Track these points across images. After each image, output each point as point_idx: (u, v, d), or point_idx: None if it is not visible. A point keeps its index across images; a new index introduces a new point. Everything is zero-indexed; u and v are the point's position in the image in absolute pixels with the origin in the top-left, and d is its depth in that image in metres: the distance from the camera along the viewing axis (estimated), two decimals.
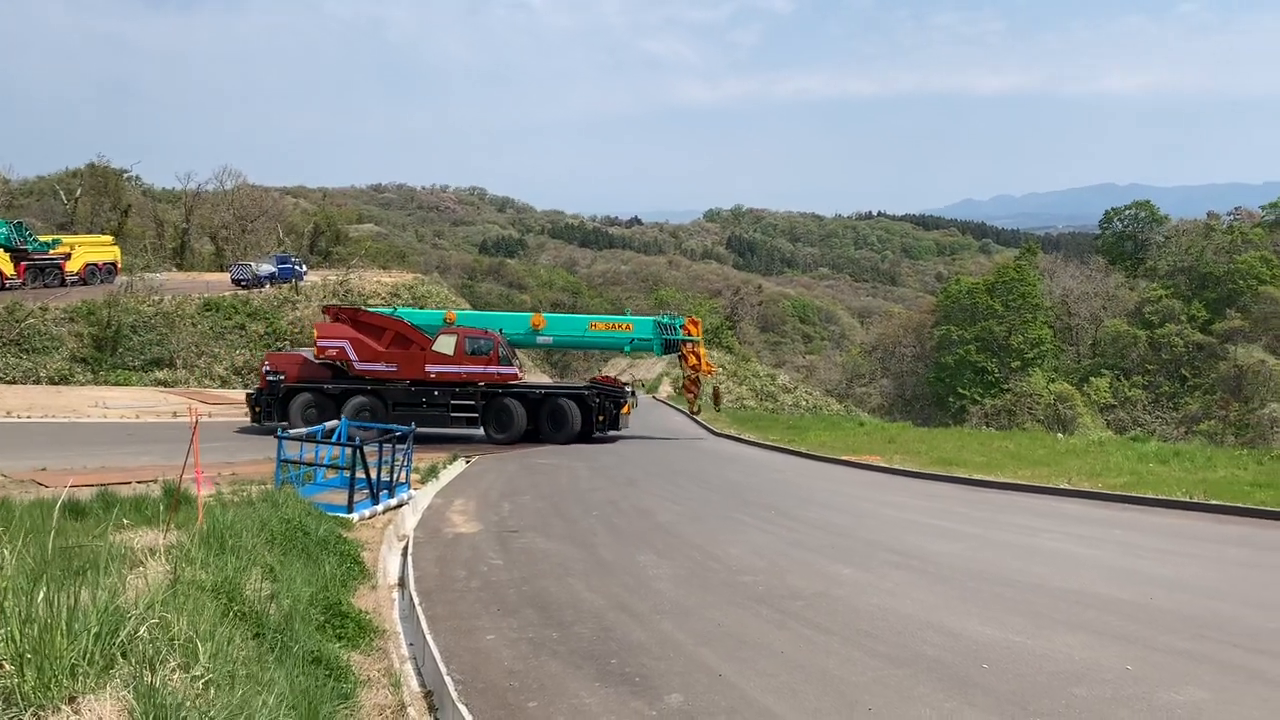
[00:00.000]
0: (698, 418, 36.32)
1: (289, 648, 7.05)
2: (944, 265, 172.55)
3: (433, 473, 19.89)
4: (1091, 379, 69.44)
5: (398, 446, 16.70)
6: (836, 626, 9.24)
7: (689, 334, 30.86)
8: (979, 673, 7.78)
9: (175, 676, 5.13)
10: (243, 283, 54.04)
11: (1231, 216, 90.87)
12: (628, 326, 31.13)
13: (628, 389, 31.00)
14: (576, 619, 9.69)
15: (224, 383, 44.76)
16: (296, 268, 56.85)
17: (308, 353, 29.55)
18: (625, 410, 28.93)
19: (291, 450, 16.52)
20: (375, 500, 15.44)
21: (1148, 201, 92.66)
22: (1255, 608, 9.63)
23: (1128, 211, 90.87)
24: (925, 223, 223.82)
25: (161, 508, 11.38)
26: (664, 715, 7.06)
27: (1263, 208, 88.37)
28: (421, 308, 53.98)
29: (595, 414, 28.34)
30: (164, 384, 41.64)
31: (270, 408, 27.85)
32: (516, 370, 28.78)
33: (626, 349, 32.39)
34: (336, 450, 16.90)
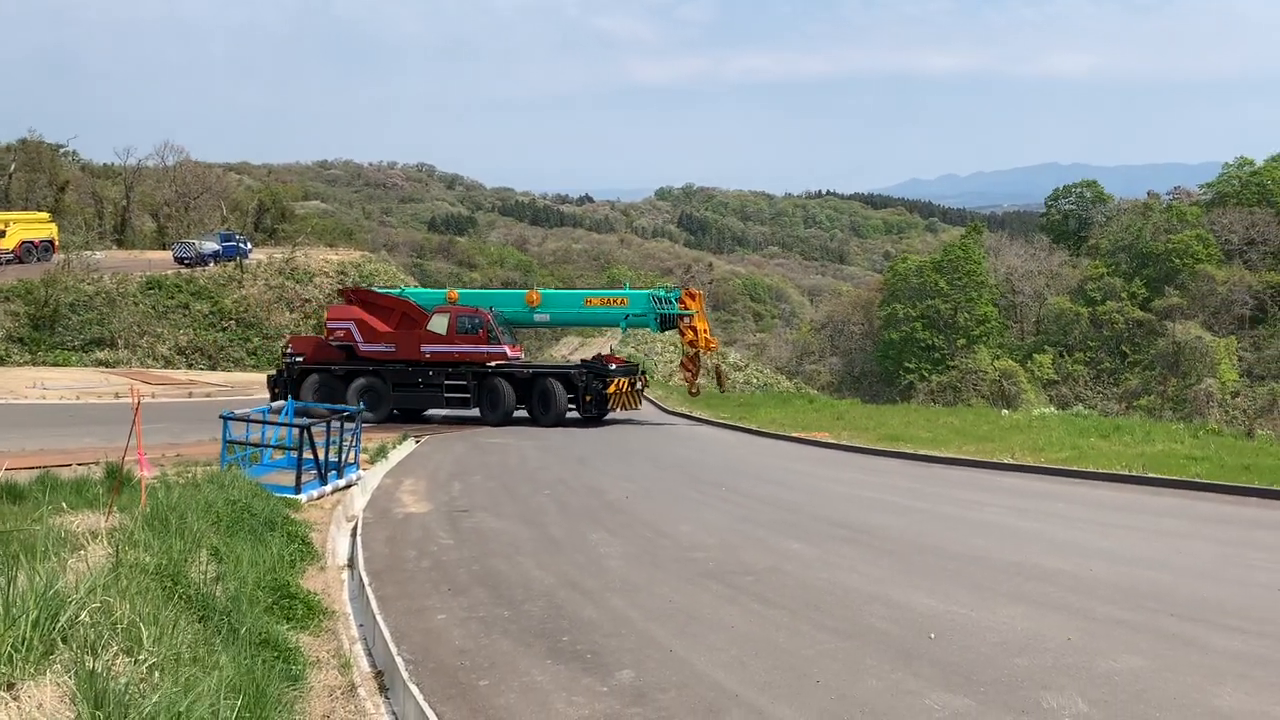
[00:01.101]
0: (656, 401, 34.68)
1: (236, 630, 6.97)
2: (892, 244, 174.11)
3: (382, 453, 19.73)
4: (1035, 355, 70.67)
5: (346, 426, 16.53)
6: (786, 601, 9.34)
7: (686, 308, 28.91)
8: (925, 644, 7.91)
9: (118, 661, 5.05)
10: (186, 261, 53.04)
11: (1170, 196, 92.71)
12: (623, 301, 29.56)
13: (638, 368, 29.82)
14: (527, 597, 9.69)
15: (168, 363, 44.01)
16: (241, 245, 55.91)
17: None
18: (611, 389, 27.39)
19: (238, 431, 16.29)
20: (324, 481, 15.30)
21: (1094, 181, 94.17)
22: (1191, 577, 9.90)
23: (1073, 190, 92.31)
24: (873, 202, 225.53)
25: (103, 490, 11.19)
26: (615, 691, 7.10)
27: (1200, 187, 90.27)
28: (370, 286, 53.50)
29: (582, 394, 27.20)
30: (105, 364, 40.84)
31: (286, 389, 28.02)
32: (506, 349, 28.01)
33: (622, 325, 30.78)
34: (284, 431, 16.70)
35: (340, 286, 39.27)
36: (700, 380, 30.62)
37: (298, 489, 14.42)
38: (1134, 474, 16.35)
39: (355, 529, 13.28)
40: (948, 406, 47.43)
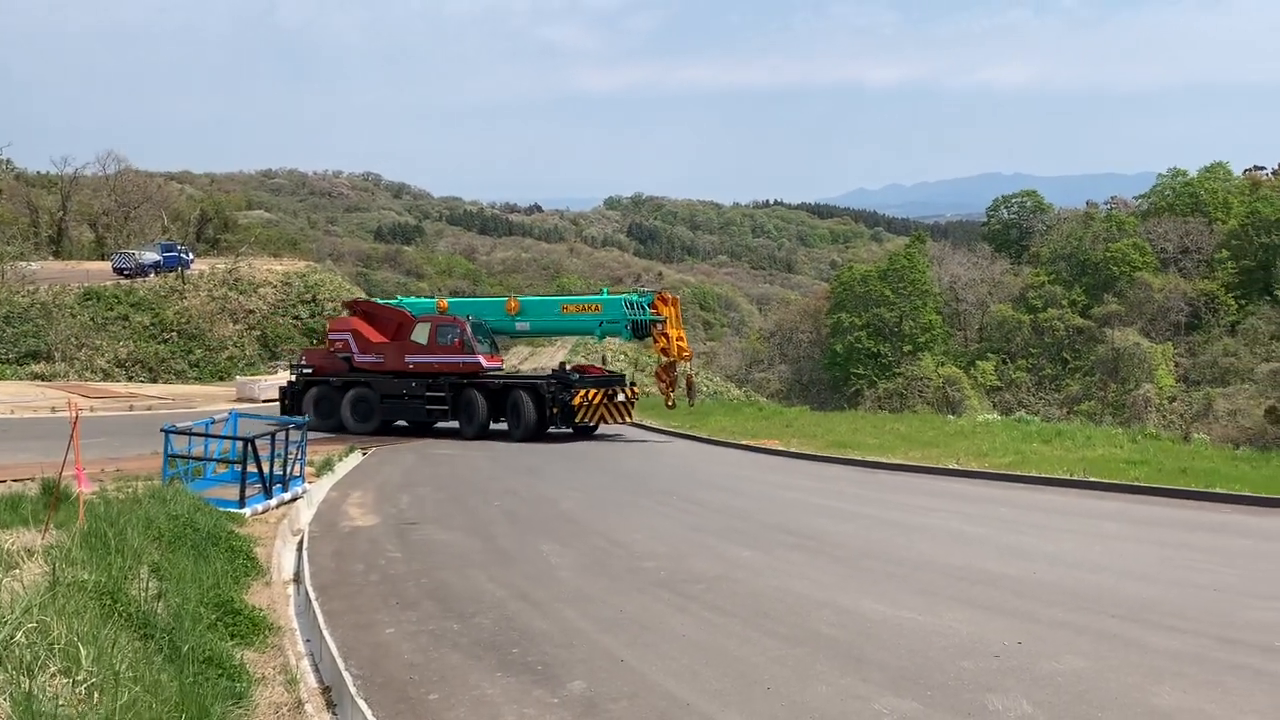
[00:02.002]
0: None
1: (178, 648, 6.83)
2: (838, 253, 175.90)
3: (328, 466, 19.48)
4: (978, 362, 71.87)
5: (291, 439, 16.30)
6: (736, 608, 9.38)
7: (658, 313, 26.59)
8: (873, 649, 8.00)
9: (56, 682, 4.94)
10: (125, 271, 52.04)
11: (1108, 205, 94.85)
12: (597, 308, 27.45)
13: (621, 379, 27.93)
14: (477, 610, 9.63)
15: (107, 376, 43.08)
16: (183, 256, 54.93)
17: None
18: (577, 400, 25.34)
19: (180, 444, 15.99)
20: (268, 494, 15.06)
21: (1032, 190, 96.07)
22: (1131, 579, 10.12)
23: (1014, 199, 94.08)
24: (820, 211, 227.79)
25: (39, 506, 10.90)
26: (566, 702, 7.07)
27: (1136, 197, 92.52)
28: (314, 297, 52.83)
29: (549, 406, 25.47)
30: (41, 378, 39.87)
31: (296, 401, 28.06)
32: (481, 359, 26.75)
33: (597, 333, 28.21)
34: (228, 444, 16.42)
35: (345, 300, 37.97)
36: (676, 392, 27.88)
37: (242, 503, 14.19)
38: (1075, 478, 16.69)
39: (301, 543, 13.09)
40: (894, 413, 47.99)
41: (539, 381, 26.44)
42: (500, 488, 17.94)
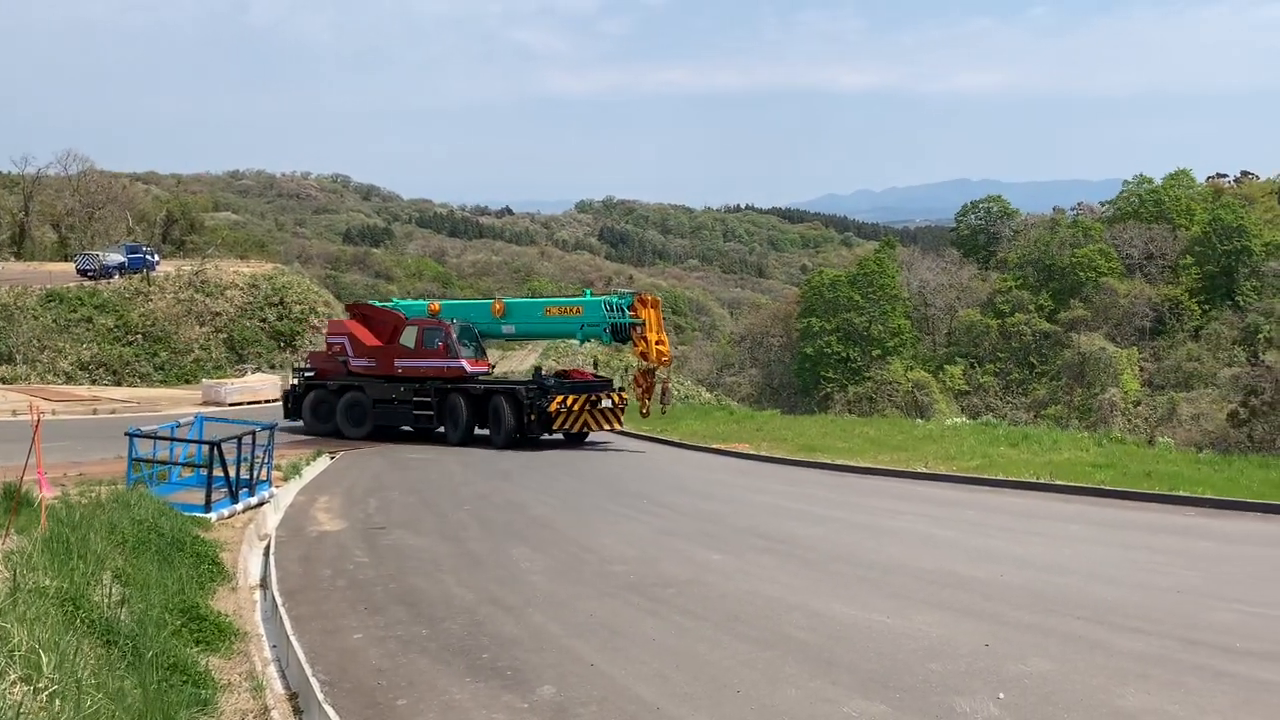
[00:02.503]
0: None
1: (142, 654, 6.74)
2: (808, 257, 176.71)
3: (295, 470, 19.31)
4: (947, 366, 72.40)
5: (258, 443, 16.14)
6: (707, 612, 9.39)
7: (637, 316, 25.05)
8: (843, 652, 8.03)
9: (16, 690, 4.85)
10: (89, 273, 51.29)
11: (1075, 211, 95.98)
12: (578, 310, 26.21)
13: (609, 384, 26.36)
14: (447, 615, 9.58)
15: (69, 379, 42.45)
16: (148, 257, 54.23)
17: None
18: (553, 406, 24.15)
19: (145, 448, 15.80)
20: (234, 499, 14.92)
21: (999, 196, 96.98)
22: (1096, 581, 10.23)
23: (982, 205, 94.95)
24: (791, 216, 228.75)
25: (0, 512, 10.72)
26: (536, 707, 7.05)
27: (1102, 203, 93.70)
28: (281, 300, 52.32)
29: (526, 413, 24.28)
30: (2, 381, 39.24)
31: (294, 404, 27.88)
32: (465, 363, 25.82)
33: (578, 336, 27.08)
34: (193, 448, 16.24)
35: (349, 303, 36.78)
36: (653, 399, 25.81)
37: (207, 507, 14.04)
38: (1042, 481, 16.85)
39: (268, 548, 12.97)
40: (864, 417, 48.25)
41: (517, 387, 25.32)
42: (471, 492, 17.86)
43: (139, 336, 47.26)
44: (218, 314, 49.99)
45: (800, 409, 61.17)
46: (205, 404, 34.58)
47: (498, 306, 27.27)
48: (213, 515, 13.90)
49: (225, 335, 49.32)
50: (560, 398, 24.46)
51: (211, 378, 42.85)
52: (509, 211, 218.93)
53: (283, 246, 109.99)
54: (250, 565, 12.13)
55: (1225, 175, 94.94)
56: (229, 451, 15.00)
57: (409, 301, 31.14)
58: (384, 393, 26.59)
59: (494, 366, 27.74)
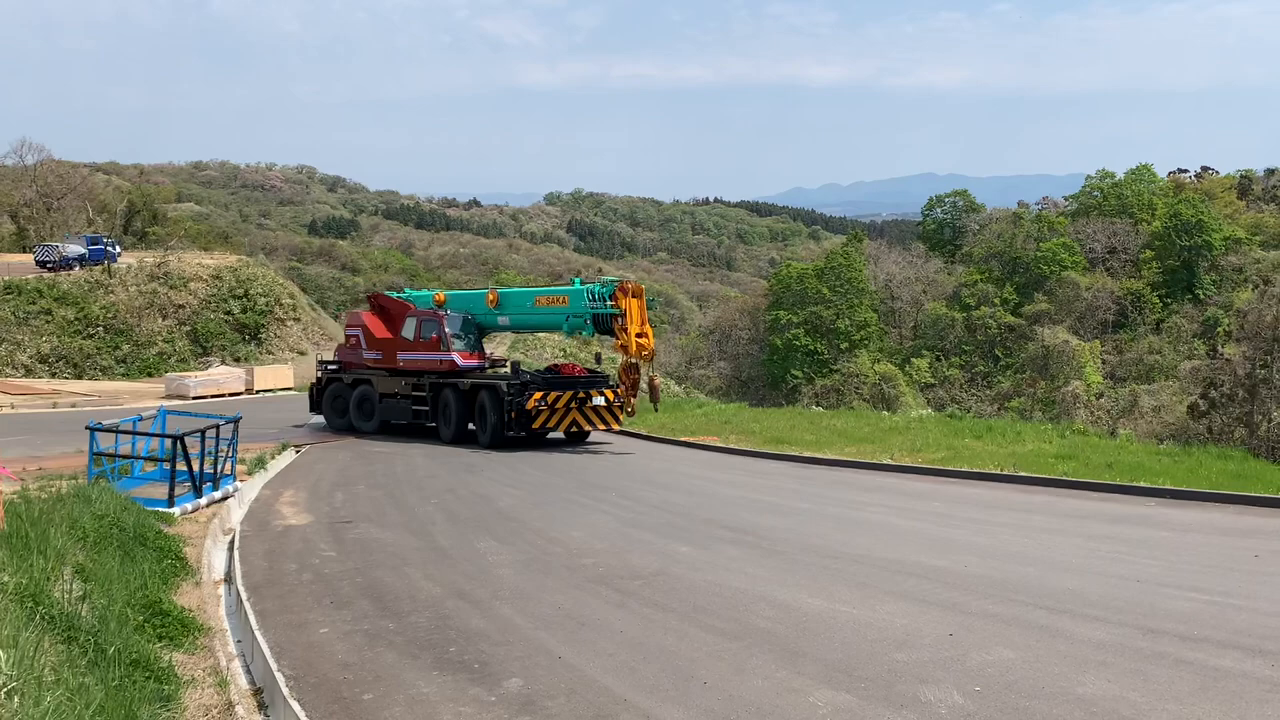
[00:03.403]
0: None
1: (104, 650, 6.67)
2: (777, 251, 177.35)
3: (260, 464, 19.14)
4: (913, 359, 72.96)
5: (222, 437, 15.98)
6: (674, 604, 9.42)
7: (618, 305, 22.86)
8: (809, 643, 8.09)
9: None
10: (48, 265, 50.56)
11: (1039, 206, 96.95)
12: (563, 300, 24.40)
13: (604, 380, 24.06)
14: (414, 608, 9.54)
15: (29, 372, 41.84)
16: (109, 249, 53.49)
17: None
18: (530, 403, 22.51)
19: (106, 442, 15.59)
20: (198, 493, 14.75)
21: (965, 190, 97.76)
22: (1058, 571, 10.36)
23: (948, 199, 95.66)
24: (759, 209, 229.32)
25: None
26: (503, 700, 7.04)
27: (1066, 198, 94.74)
28: (246, 292, 51.80)
29: (506, 410, 22.73)
30: None
31: (316, 398, 27.67)
32: (456, 356, 24.64)
33: (564, 328, 24.96)
34: (156, 442, 16.05)
35: (368, 292, 35.34)
36: (638, 397, 24.00)
37: (171, 502, 13.89)
38: (1006, 473, 17.04)
39: (232, 542, 12.86)
40: (831, 409, 48.54)
41: (499, 383, 23.45)
42: (438, 486, 17.79)
43: (100, 329, 46.68)
44: (181, 306, 49.45)
45: (768, 401, 61.42)
46: (168, 397, 34.24)
47: (491, 297, 25.86)
48: (176, 510, 13.75)
49: (189, 328, 48.82)
50: (539, 394, 22.72)
51: (175, 371, 42.39)
52: (477, 203, 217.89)
53: (247, 238, 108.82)
54: (214, 560, 12.03)
55: (1186, 171, 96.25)
56: (192, 445, 14.85)
57: (419, 292, 29.57)
58: (389, 387, 25.97)
59: (490, 361, 26.30)
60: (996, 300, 75.02)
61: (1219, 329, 65.12)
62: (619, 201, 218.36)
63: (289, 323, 51.79)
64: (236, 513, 14.83)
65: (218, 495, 15.30)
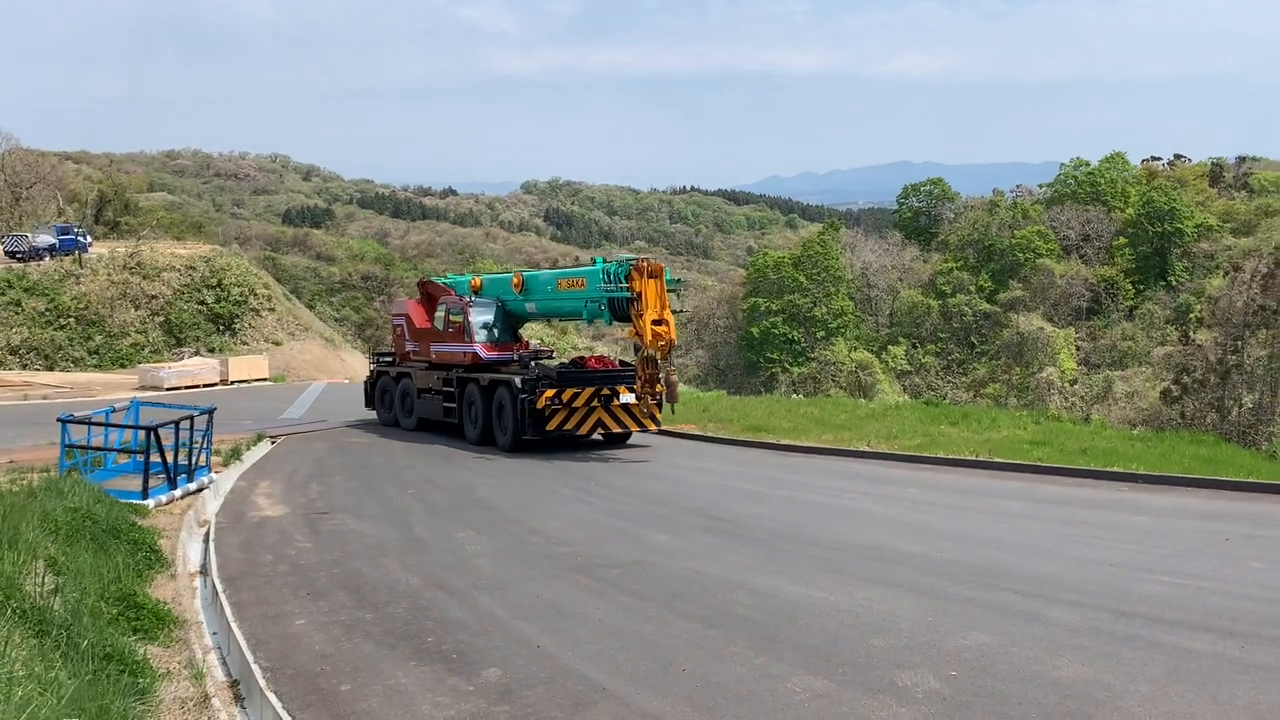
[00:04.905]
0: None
1: (77, 644, 6.61)
2: (754, 239, 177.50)
3: (235, 455, 19.00)
4: (890, 347, 73.36)
5: (196, 428, 15.85)
6: (653, 592, 9.43)
7: (634, 288, 19.50)
8: (787, 629, 8.12)
9: None
10: (18, 255, 49.88)
11: (1014, 194, 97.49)
12: (581, 283, 21.28)
13: (630, 373, 20.54)
14: (391, 599, 9.51)
15: None
16: (80, 239, 52.84)
17: None
18: (541, 402, 19.89)
19: (79, 434, 15.42)
20: (173, 485, 14.65)
21: (940, 179, 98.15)
22: (1032, 556, 10.45)
23: (923, 188, 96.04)
24: (736, 198, 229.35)
25: None
26: (481, 690, 7.03)
27: (1040, 186, 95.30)
28: (220, 282, 51.31)
29: (516, 408, 20.29)
30: None
31: (369, 391, 26.60)
32: (479, 348, 22.30)
33: (584, 316, 21.97)
34: (129, 434, 15.90)
35: (420, 279, 32.14)
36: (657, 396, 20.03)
37: (145, 494, 13.77)
38: (981, 459, 17.15)
39: (208, 534, 12.76)
40: (808, 397, 48.70)
41: (513, 378, 20.76)
42: (416, 476, 17.71)
43: (71, 320, 46.17)
44: (154, 297, 48.93)
45: (746, 390, 61.57)
46: (142, 389, 33.92)
47: (516, 280, 23.21)
48: (150, 502, 13.63)
49: (162, 318, 48.33)
50: (550, 392, 19.99)
51: (148, 362, 42.00)
52: (453, 192, 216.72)
53: (220, 228, 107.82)
54: (190, 552, 11.93)
55: (1159, 159, 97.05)
56: (166, 437, 14.72)
57: (461, 278, 26.67)
58: (425, 381, 24.02)
59: (532, 354, 22.77)
60: (972, 288, 75.47)
61: (1191, 315, 65.75)
62: (596, 190, 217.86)
63: (264, 313, 51.34)
64: (212, 504, 14.71)
65: (193, 487, 15.19)
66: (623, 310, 20.16)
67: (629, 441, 21.93)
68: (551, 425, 20.30)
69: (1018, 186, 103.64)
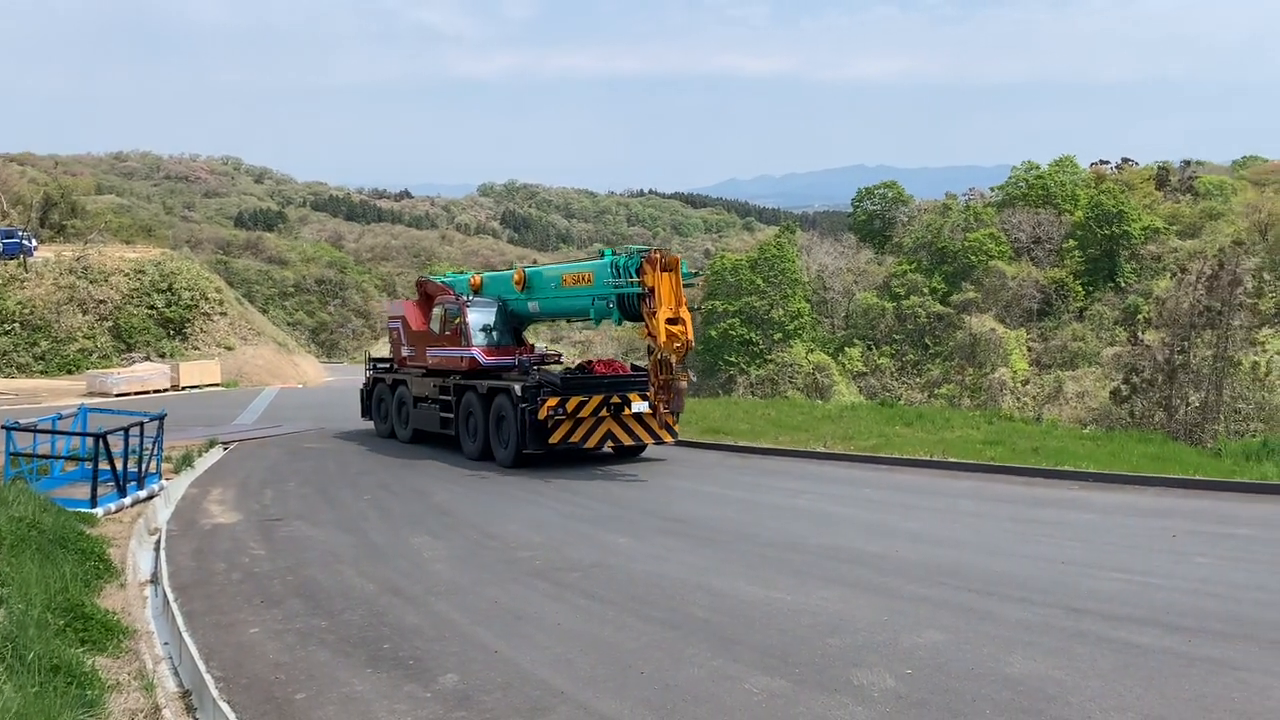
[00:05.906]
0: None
1: (22, 657, 6.47)
2: (712, 242, 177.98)
3: (187, 461, 18.71)
4: (846, 349, 73.91)
5: (146, 434, 15.59)
6: (611, 595, 9.43)
7: (645, 284, 17.30)
8: (745, 630, 8.15)
9: None
10: None
11: (966, 196, 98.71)
12: (588, 278, 19.31)
13: (643, 379, 18.45)
14: (347, 606, 9.41)
15: None
16: (25, 242, 51.74)
17: None
18: (543, 412, 17.92)
19: (24, 442, 15.10)
20: (122, 493, 14.38)
21: (894, 182, 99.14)
22: (985, 554, 10.59)
23: (877, 191, 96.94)
24: (693, 201, 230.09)
25: None
26: (439, 696, 6.98)
27: (992, 189, 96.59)
28: (170, 286, 50.49)
29: (516, 418, 18.41)
30: None
31: (365, 400, 25.10)
32: (477, 352, 20.56)
33: (591, 315, 19.65)
34: (77, 441, 15.60)
35: (418, 278, 29.39)
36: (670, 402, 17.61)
37: (93, 502, 13.50)
38: (935, 459, 17.35)
39: (158, 542, 12.56)
40: (766, 399, 48.96)
41: (513, 385, 18.88)
42: (372, 481, 17.55)
43: (16, 325, 45.25)
44: (102, 301, 48.06)
45: (704, 392, 61.71)
46: (90, 395, 33.30)
47: (517, 277, 21.24)
48: (99, 510, 13.38)
49: (110, 323, 47.48)
50: (552, 400, 18.06)
51: (97, 367, 41.23)
52: (408, 195, 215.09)
53: (171, 231, 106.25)
54: (140, 561, 11.72)
55: (1107, 162, 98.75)
56: (115, 444, 14.46)
57: (460, 276, 24.63)
58: (420, 389, 22.31)
59: (537, 357, 21.43)
60: (925, 290, 76.29)
61: (1139, 316, 66.92)
62: (553, 193, 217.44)
63: (215, 317, 50.61)
64: (163, 512, 14.47)
65: (143, 494, 14.93)
66: (633, 308, 18.08)
67: (642, 455, 19.96)
68: (555, 438, 18.32)
69: (970, 189, 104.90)
